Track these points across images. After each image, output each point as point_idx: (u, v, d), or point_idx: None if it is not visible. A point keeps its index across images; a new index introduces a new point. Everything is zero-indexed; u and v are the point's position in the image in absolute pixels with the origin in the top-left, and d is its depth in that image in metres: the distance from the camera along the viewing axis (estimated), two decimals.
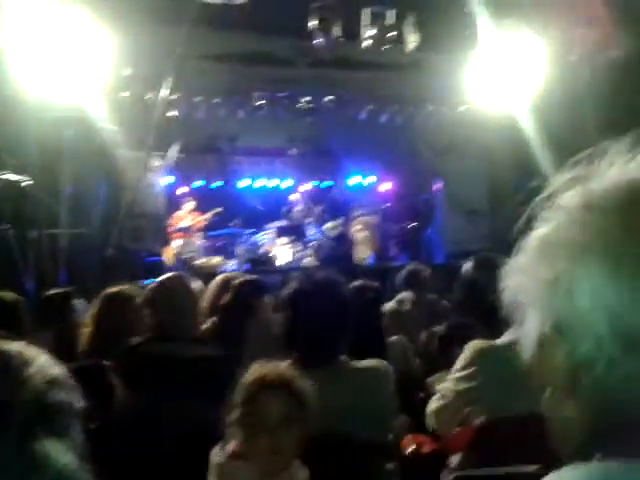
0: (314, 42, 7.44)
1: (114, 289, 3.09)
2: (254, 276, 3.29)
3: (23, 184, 5.50)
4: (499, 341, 2.20)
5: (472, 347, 2.18)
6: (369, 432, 1.98)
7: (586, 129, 8.05)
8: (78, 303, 3.68)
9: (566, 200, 0.74)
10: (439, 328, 2.82)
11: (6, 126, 6.32)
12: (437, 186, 10.51)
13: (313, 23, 6.85)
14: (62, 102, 6.97)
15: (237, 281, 3.11)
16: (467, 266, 4.52)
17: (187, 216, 10.73)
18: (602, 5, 7.35)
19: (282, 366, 1.95)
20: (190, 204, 10.82)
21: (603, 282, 0.65)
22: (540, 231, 0.75)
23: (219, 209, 10.79)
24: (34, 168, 6.43)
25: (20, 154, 5.95)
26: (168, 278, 2.52)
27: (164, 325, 2.36)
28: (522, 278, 0.74)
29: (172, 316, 2.35)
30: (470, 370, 2.16)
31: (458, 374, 2.20)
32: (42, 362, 0.67)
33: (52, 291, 3.91)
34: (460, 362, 2.21)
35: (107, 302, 2.96)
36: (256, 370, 1.73)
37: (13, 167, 5.53)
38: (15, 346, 0.69)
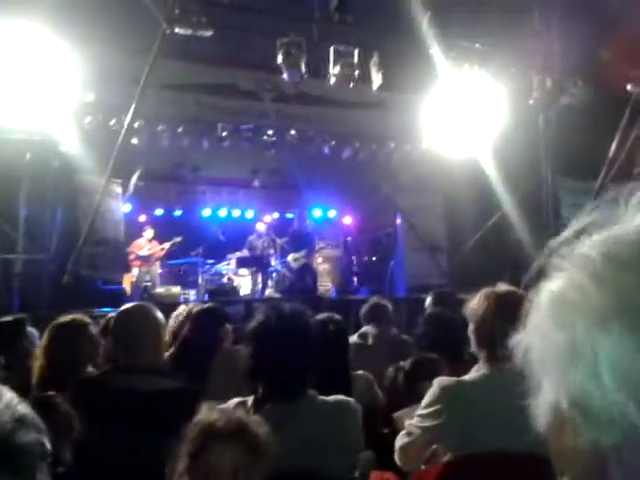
0: (281, 77, 7.53)
1: (66, 318, 2.97)
2: (214, 304, 3.23)
3: None
4: (467, 377, 2.21)
5: (439, 383, 2.18)
6: (337, 467, 1.95)
7: (542, 169, 8.36)
8: (31, 332, 3.55)
9: (583, 249, 0.61)
10: (405, 363, 2.82)
11: None
12: (399, 221, 10.66)
13: (280, 58, 6.93)
14: (23, 125, 6.86)
15: (196, 310, 3.07)
16: (428, 301, 4.61)
17: (146, 244, 10.58)
18: (556, 53, 7.70)
19: (234, 409, 1.86)
20: (149, 232, 10.69)
21: (628, 353, 0.53)
22: (554, 285, 0.62)
23: (178, 238, 10.69)
24: None
25: None
26: (131, 307, 2.46)
27: (124, 355, 2.29)
28: (535, 339, 0.63)
29: (133, 346, 2.28)
30: (436, 407, 2.16)
31: (425, 410, 2.20)
32: (8, 399, 0.63)
33: (3, 318, 3.77)
34: (427, 398, 2.21)
35: (59, 331, 2.85)
36: (205, 416, 1.57)
37: None
38: None
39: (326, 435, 1.99)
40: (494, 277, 2.37)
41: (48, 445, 0.62)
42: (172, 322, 3.50)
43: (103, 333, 3.22)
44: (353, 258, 12.67)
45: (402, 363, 2.85)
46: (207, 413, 1.59)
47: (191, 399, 2.26)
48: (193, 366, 2.66)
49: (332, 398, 2.09)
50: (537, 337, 0.63)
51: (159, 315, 2.46)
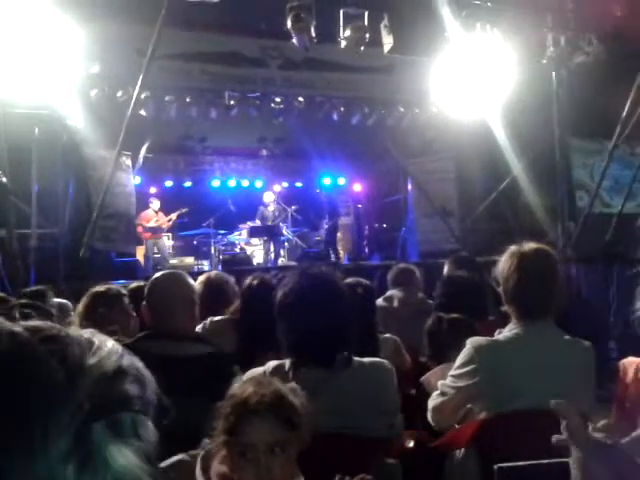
0: (288, 43, 7.41)
1: (101, 287, 3.03)
2: (266, 276, 3.22)
3: (2, 179, 5.33)
4: (501, 337, 2.22)
5: (472, 343, 2.19)
6: (377, 428, 1.97)
7: (554, 130, 8.25)
8: (66, 303, 3.57)
9: None
10: (445, 316, 2.86)
11: None
12: (409, 187, 10.61)
13: (289, 23, 6.80)
14: (30, 99, 6.81)
15: (255, 282, 3.07)
16: (447, 266, 4.61)
17: (153, 216, 10.59)
18: (570, 10, 7.53)
19: (271, 376, 1.83)
20: (155, 204, 10.69)
21: None
22: None
23: (185, 209, 10.69)
24: (3, 166, 6.26)
25: None
26: (164, 274, 2.47)
27: (159, 322, 2.30)
28: None
29: (168, 313, 2.29)
30: (471, 367, 2.17)
31: (459, 370, 2.21)
32: (109, 350, 0.60)
33: (28, 289, 3.80)
34: (460, 358, 2.22)
35: (95, 299, 2.89)
36: (239, 390, 1.52)
37: None
38: (81, 331, 0.64)
39: (365, 396, 2.00)
40: (506, 241, 2.37)
41: (151, 397, 0.60)
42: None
43: (129, 302, 3.25)
44: (364, 225, 12.66)
45: (442, 315, 2.87)
46: (242, 386, 1.56)
47: (226, 363, 2.29)
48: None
49: (367, 360, 2.09)
50: None
51: (191, 282, 2.47)
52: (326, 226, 10.74)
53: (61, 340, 0.58)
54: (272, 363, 2.04)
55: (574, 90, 8.00)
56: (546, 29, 7.54)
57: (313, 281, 2.12)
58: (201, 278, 3.66)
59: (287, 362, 2.02)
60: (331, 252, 10.65)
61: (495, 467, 1.71)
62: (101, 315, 2.67)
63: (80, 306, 2.86)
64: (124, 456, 0.54)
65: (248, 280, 3.13)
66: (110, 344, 0.62)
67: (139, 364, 0.63)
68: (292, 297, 2.08)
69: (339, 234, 11.55)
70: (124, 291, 3.04)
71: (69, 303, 3.42)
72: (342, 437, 1.93)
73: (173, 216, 10.65)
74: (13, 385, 0.52)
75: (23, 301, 2.87)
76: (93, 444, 0.53)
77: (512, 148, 8.35)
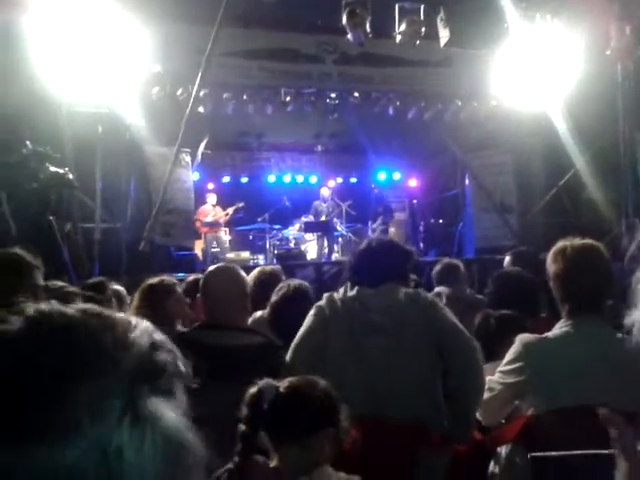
0: (343, 38, 7.43)
1: (155, 279, 3.14)
2: (303, 283, 3.16)
3: (69, 176, 5.60)
4: (550, 334, 2.19)
5: (521, 340, 2.17)
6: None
7: (619, 124, 7.94)
8: (122, 291, 3.72)
9: None
10: (493, 313, 2.83)
11: (43, 123, 6.44)
12: (467, 181, 10.44)
13: (344, 18, 6.82)
14: (94, 99, 7.09)
15: (292, 285, 2.99)
16: (506, 261, 4.53)
17: (210, 211, 10.82)
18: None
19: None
20: (212, 198, 10.90)
21: None
22: None
23: (241, 203, 10.86)
24: (69, 163, 6.54)
25: (57, 149, 6.05)
26: (219, 267, 2.55)
27: (213, 313, 2.39)
28: None
29: (221, 304, 2.37)
30: (519, 364, 2.15)
31: (507, 367, 2.19)
32: (146, 326, 0.69)
33: (90, 280, 3.97)
34: (509, 355, 2.20)
35: (149, 292, 3.00)
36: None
37: (55, 161, 5.63)
38: (117, 313, 0.71)
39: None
40: (566, 238, 2.32)
41: (182, 367, 0.68)
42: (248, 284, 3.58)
43: (185, 295, 3.36)
44: (419, 221, 12.55)
45: (491, 312, 2.85)
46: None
47: (276, 354, 2.34)
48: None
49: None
50: None
51: (244, 275, 2.54)
52: (374, 225, 10.72)
53: (106, 317, 0.65)
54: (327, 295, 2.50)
55: None
56: (610, 19, 7.26)
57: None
58: (254, 272, 3.74)
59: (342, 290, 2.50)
60: None
61: (529, 456, 1.70)
62: (154, 305, 2.76)
63: (135, 297, 2.97)
64: (168, 414, 0.61)
65: (282, 288, 3.03)
66: (144, 323, 0.69)
67: (168, 342, 0.70)
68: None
69: (392, 229, 11.48)
70: (176, 282, 3.13)
71: (124, 291, 3.56)
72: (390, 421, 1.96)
73: (230, 210, 10.84)
74: (71, 354, 0.59)
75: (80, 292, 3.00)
76: (143, 405, 0.59)
77: (575, 142, 8.10)
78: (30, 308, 0.63)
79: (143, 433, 0.58)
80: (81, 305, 0.67)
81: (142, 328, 0.68)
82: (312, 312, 2.44)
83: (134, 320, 0.69)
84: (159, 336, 0.69)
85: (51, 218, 5.17)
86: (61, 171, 5.43)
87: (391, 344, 2.29)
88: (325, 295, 2.50)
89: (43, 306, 0.64)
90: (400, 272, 2.59)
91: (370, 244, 2.64)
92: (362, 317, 2.35)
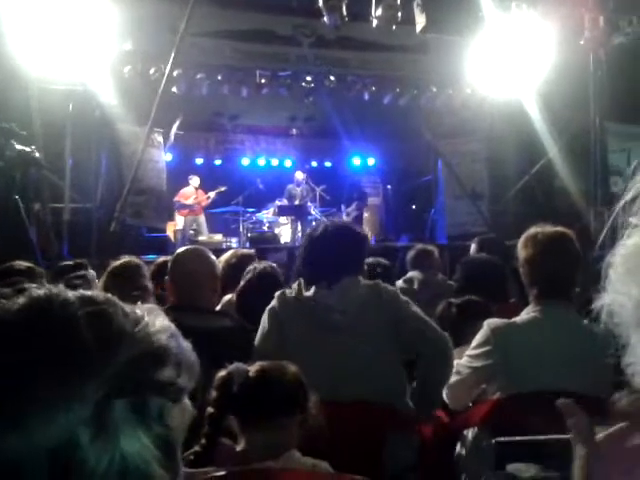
0: (320, 21, 7.36)
1: (121, 261, 3.10)
2: (269, 265, 3.11)
3: (36, 154, 5.46)
4: (518, 319, 2.22)
5: (489, 325, 2.20)
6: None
7: (590, 113, 8.05)
8: (92, 274, 3.66)
9: None
10: (455, 300, 2.85)
11: (11, 99, 6.27)
12: (440, 168, 10.49)
13: (320, 1, 6.75)
14: (65, 76, 6.92)
15: (258, 269, 2.95)
16: (472, 248, 4.58)
17: (192, 193, 10.70)
18: None
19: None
20: (195, 180, 10.77)
21: None
22: (626, 244, 0.62)
23: (223, 187, 10.76)
24: (37, 141, 6.39)
25: (25, 126, 5.90)
26: (188, 249, 2.53)
27: (181, 295, 2.37)
28: (616, 297, 0.63)
29: (190, 286, 2.35)
30: (487, 348, 2.18)
31: (475, 351, 2.23)
32: (157, 329, 0.61)
33: (65, 262, 3.89)
34: (477, 339, 2.23)
35: (115, 274, 2.96)
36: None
37: (21, 139, 5.48)
38: (139, 307, 0.64)
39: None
40: (537, 225, 2.35)
41: (187, 384, 0.62)
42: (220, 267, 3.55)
43: (154, 277, 3.32)
44: (392, 206, 12.60)
45: (453, 300, 2.86)
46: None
47: (247, 337, 2.34)
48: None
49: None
50: (616, 295, 0.63)
51: (213, 257, 2.52)
52: (349, 209, 10.73)
53: (105, 314, 0.59)
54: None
55: (612, 72, 7.78)
56: (584, 9, 7.33)
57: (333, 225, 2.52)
58: (227, 254, 3.71)
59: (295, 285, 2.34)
60: None
61: (492, 441, 1.73)
62: (120, 286, 2.73)
63: (102, 280, 2.94)
64: (138, 440, 0.55)
65: (249, 272, 2.98)
66: (159, 323, 0.62)
67: (186, 345, 0.64)
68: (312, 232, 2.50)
69: (366, 215, 11.51)
70: (141, 262, 3.10)
71: (94, 273, 3.51)
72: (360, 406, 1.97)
73: (211, 194, 10.71)
74: (43, 346, 0.55)
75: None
76: (111, 420, 0.54)
77: (547, 130, 8.19)
78: (36, 291, 0.58)
79: (106, 445, 0.53)
80: (87, 293, 0.61)
81: (152, 330, 0.60)
82: (265, 315, 2.32)
83: (147, 318, 0.61)
84: (174, 341, 0.62)
85: (17, 197, 5.05)
86: (27, 149, 5.30)
87: (353, 340, 2.23)
88: (276, 295, 2.35)
89: (47, 291, 0.59)
90: (358, 262, 2.44)
91: (325, 231, 2.41)
92: (321, 317, 2.26)
